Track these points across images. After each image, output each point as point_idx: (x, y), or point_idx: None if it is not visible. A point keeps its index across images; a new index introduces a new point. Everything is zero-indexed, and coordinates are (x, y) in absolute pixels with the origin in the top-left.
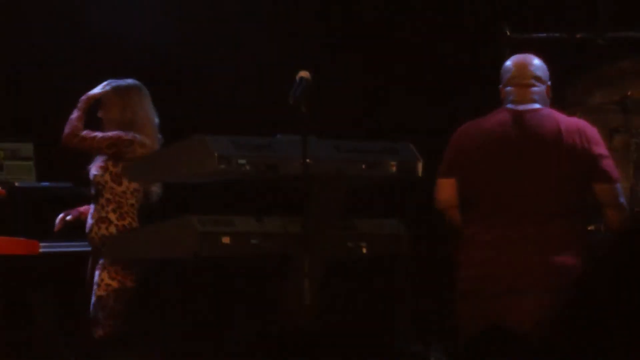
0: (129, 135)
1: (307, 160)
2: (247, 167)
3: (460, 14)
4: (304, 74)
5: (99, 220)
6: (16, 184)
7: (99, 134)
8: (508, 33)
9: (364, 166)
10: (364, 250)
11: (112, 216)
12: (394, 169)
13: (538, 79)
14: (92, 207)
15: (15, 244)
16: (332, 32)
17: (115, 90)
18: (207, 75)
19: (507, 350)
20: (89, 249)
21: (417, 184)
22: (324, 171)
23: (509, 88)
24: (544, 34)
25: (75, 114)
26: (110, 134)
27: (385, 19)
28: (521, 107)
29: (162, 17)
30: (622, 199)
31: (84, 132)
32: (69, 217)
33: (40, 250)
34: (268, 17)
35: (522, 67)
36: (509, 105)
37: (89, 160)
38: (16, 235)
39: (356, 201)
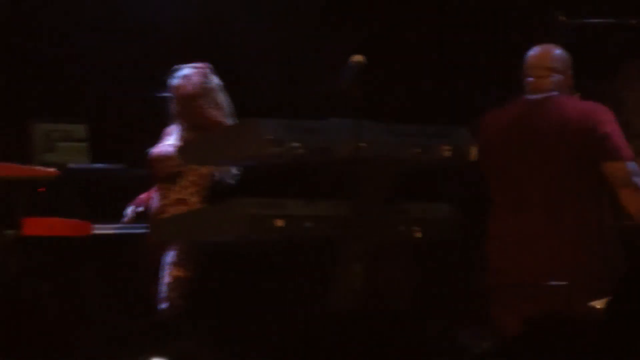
0: (229, 120)
1: (360, 144)
2: (300, 151)
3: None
4: (357, 57)
5: (176, 202)
6: (69, 165)
7: (212, 110)
8: (561, 18)
9: (417, 150)
10: (416, 235)
11: (194, 199)
12: (448, 153)
13: (554, 69)
14: (161, 189)
15: (67, 226)
16: (377, 16)
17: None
18: (251, 61)
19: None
20: (142, 230)
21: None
22: (376, 155)
23: (527, 78)
24: (597, 20)
25: (201, 77)
26: (219, 114)
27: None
28: (535, 97)
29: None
30: (638, 179)
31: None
32: (140, 209)
33: (93, 231)
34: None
35: (539, 58)
36: (526, 96)
37: (145, 141)
38: (69, 217)
39: (409, 184)
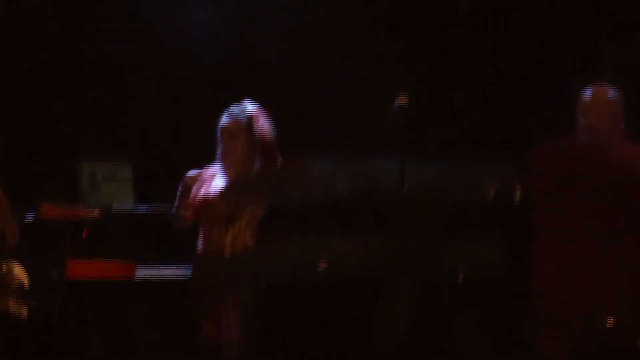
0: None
1: (406, 184)
2: (347, 190)
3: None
4: (402, 99)
5: (233, 243)
6: (113, 208)
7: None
8: (609, 58)
9: (462, 190)
10: (461, 274)
11: (250, 240)
12: (493, 193)
13: (607, 111)
14: (214, 231)
15: (112, 268)
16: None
17: None
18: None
19: None
20: (186, 272)
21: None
22: (422, 195)
23: (580, 119)
24: None
25: (267, 118)
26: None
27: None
28: (588, 138)
29: (234, 34)
30: None
31: None
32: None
33: (137, 274)
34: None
35: (593, 100)
36: (579, 136)
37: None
38: (113, 259)
39: (454, 222)
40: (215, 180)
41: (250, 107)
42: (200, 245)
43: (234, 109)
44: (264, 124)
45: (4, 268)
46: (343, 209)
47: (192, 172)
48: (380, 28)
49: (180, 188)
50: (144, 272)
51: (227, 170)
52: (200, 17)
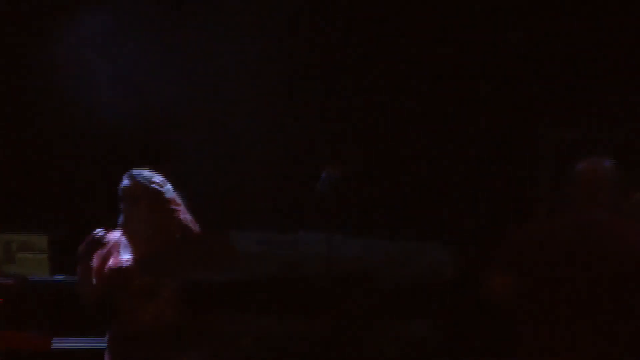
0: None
1: (332, 260)
2: (270, 265)
3: None
4: (332, 168)
5: (154, 320)
6: (29, 278)
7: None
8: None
9: (392, 267)
10: (392, 354)
11: (171, 315)
12: (423, 270)
13: (604, 187)
14: (130, 307)
15: (26, 340)
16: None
17: None
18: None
19: None
20: (104, 345)
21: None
22: (349, 271)
23: (575, 192)
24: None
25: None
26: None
27: None
28: (585, 216)
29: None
30: None
31: None
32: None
33: (53, 346)
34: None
35: (588, 175)
36: (573, 212)
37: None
38: (28, 331)
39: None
40: (122, 250)
41: (156, 177)
42: (116, 321)
43: (137, 171)
44: (176, 200)
45: None
46: (268, 284)
47: (100, 231)
48: (308, 99)
49: (84, 248)
50: (60, 344)
51: (132, 238)
52: (117, 96)
